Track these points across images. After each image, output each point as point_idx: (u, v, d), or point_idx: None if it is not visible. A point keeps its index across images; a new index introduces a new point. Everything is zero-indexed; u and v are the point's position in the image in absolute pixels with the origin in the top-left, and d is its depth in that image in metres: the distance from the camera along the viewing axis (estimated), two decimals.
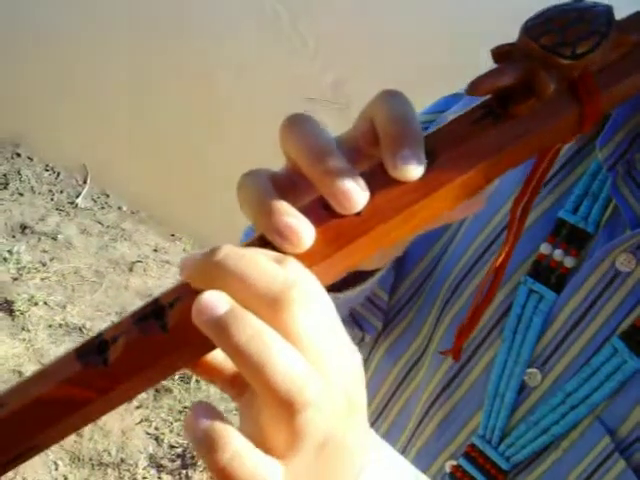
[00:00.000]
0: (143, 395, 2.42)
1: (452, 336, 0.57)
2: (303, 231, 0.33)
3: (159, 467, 2.26)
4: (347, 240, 0.34)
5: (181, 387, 2.46)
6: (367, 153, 0.38)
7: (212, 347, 0.33)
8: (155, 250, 3.04)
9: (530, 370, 0.55)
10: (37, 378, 0.33)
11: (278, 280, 0.31)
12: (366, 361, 0.65)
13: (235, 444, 0.30)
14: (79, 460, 2.26)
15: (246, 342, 0.30)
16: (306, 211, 0.34)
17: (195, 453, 2.24)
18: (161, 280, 2.89)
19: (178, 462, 2.28)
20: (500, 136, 0.37)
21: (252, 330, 0.30)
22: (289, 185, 0.37)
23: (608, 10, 0.38)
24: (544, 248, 0.55)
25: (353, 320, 0.63)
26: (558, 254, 0.55)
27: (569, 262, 0.54)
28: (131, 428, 2.34)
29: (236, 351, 0.30)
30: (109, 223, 3.19)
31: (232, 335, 0.30)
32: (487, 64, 0.41)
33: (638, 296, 0.51)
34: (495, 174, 0.37)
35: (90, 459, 2.26)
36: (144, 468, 2.24)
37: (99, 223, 3.19)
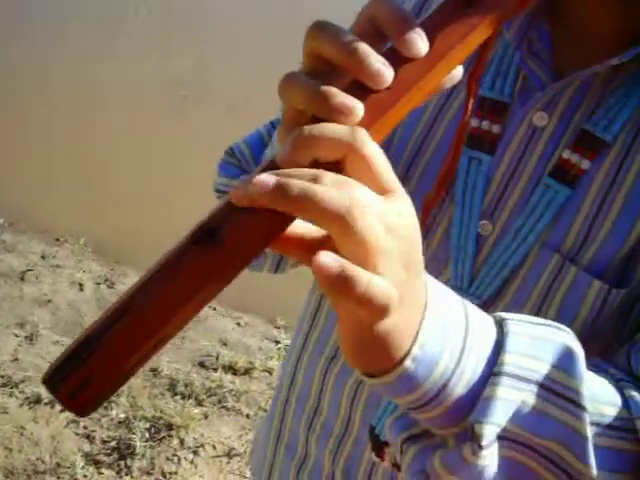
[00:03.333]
0: None
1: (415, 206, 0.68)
2: (355, 105, 0.41)
3: (97, 464, 2.27)
4: (384, 109, 0.43)
5: None
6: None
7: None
8: (43, 257, 3.00)
9: (482, 222, 0.66)
10: (157, 273, 0.39)
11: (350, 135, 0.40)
12: None
13: (364, 275, 0.38)
14: (13, 474, 2.23)
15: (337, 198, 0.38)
16: (347, 92, 0.42)
17: (130, 442, 2.27)
18: (56, 285, 2.86)
19: (114, 455, 2.30)
20: (476, 15, 0.47)
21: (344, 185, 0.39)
22: (324, 77, 0.44)
23: None
24: (474, 122, 0.67)
25: None
26: (486, 124, 0.66)
27: (496, 129, 0.66)
28: (60, 432, 2.33)
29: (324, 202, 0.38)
30: None
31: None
32: None
33: (555, 142, 0.64)
34: (474, 45, 0.48)
35: (25, 470, 2.23)
36: (82, 467, 2.24)
37: None
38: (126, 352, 0.39)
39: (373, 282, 0.38)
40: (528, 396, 0.50)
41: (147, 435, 2.30)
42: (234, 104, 4.24)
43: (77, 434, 2.34)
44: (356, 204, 0.38)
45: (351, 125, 0.41)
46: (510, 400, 0.48)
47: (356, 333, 0.42)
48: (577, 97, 0.64)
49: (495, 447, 0.49)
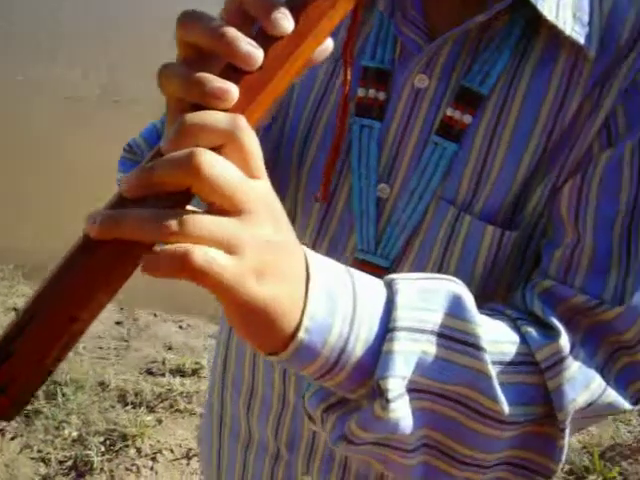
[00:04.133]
0: (14, 424, 2.38)
1: (314, 181, 0.70)
2: (229, 88, 0.43)
3: None
4: (259, 88, 0.45)
5: (49, 405, 2.44)
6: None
7: None
8: None
9: (380, 186, 0.70)
10: (57, 274, 0.42)
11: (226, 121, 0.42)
12: None
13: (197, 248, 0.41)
14: None
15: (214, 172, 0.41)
16: (222, 76, 0.44)
17: (87, 458, 2.26)
18: None
19: (73, 474, 2.28)
20: None
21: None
22: (199, 64, 0.46)
23: None
24: (361, 92, 0.70)
25: None
26: (372, 93, 0.69)
27: (382, 96, 0.69)
28: (14, 459, 2.30)
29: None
30: None
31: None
32: None
33: (438, 101, 0.67)
34: (338, 19, 0.50)
35: None
36: None
37: None
38: (39, 354, 0.41)
39: (211, 255, 0.41)
40: (427, 346, 0.53)
41: (103, 449, 2.29)
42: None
43: (32, 458, 2.31)
44: (217, 186, 0.41)
45: (228, 107, 0.44)
46: (408, 352, 0.52)
47: (232, 309, 0.45)
48: (453, 56, 0.67)
49: (405, 399, 0.52)
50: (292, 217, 0.75)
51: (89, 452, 2.27)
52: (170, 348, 2.76)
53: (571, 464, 2.37)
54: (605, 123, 0.63)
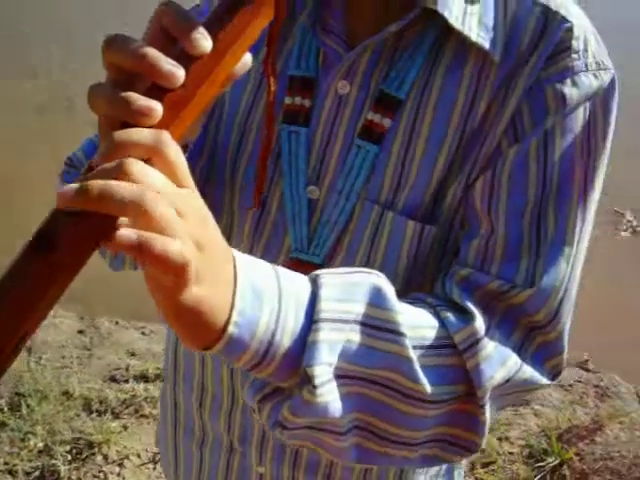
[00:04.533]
0: None
1: (248, 189, 0.75)
2: (153, 106, 0.47)
3: None
4: (182, 105, 0.49)
5: (14, 417, 2.44)
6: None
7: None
8: None
9: (310, 188, 0.74)
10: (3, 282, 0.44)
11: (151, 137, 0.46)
12: None
13: (159, 238, 0.44)
14: None
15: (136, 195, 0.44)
16: (147, 95, 0.48)
17: (54, 468, 2.27)
18: None
19: None
20: (250, 10, 0.53)
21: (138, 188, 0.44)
22: (125, 84, 0.50)
23: None
24: (288, 100, 0.74)
25: None
26: (298, 100, 0.74)
27: (307, 103, 0.74)
28: None
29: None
30: None
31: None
32: None
33: (360, 106, 0.72)
34: (255, 35, 0.54)
35: None
36: None
37: None
38: None
39: (167, 242, 0.44)
40: (351, 335, 0.58)
41: (69, 458, 2.30)
42: None
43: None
44: (150, 192, 0.44)
45: (153, 123, 0.47)
46: (333, 341, 0.56)
47: (168, 304, 0.49)
48: (372, 63, 0.72)
49: (333, 385, 0.57)
50: (229, 224, 0.79)
51: (56, 462, 2.28)
52: (133, 354, 2.78)
53: (530, 447, 2.45)
54: (511, 121, 0.68)
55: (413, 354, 0.60)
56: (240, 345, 0.53)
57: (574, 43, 0.67)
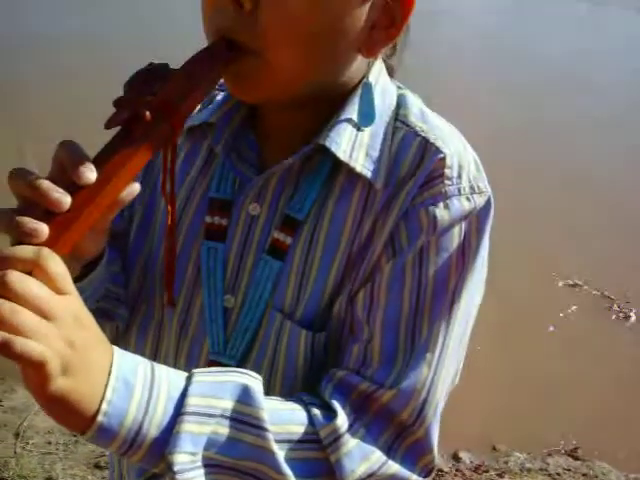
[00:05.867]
0: None
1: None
2: (39, 228, 0.57)
3: None
4: (68, 225, 0.59)
5: None
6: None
7: None
8: None
9: (226, 297, 0.83)
10: None
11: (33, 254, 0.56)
12: (125, 336, 0.90)
13: (19, 339, 0.53)
14: None
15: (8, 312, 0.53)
16: (41, 218, 0.58)
17: None
18: None
19: None
20: (134, 145, 0.64)
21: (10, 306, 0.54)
22: (26, 209, 0.60)
23: (165, 65, 0.68)
24: (208, 219, 0.84)
25: (103, 315, 0.87)
26: (217, 219, 0.83)
27: (224, 222, 0.83)
28: None
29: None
30: None
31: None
32: None
33: (268, 226, 0.81)
34: (139, 166, 0.64)
35: None
36: None
37: None
38: None
39: (26, 343, 0.53)
40: (217, 427, 0.66)
41: None
42: None
43: None
44: (8, 305, 0.53)
45: (40, 241, 0.57)
46: (197, 433, 0.65)
47: (38, 392, 0.57)
48: (279, 187, 0.82)
49: (199, 472, 0.65)
50: (160, 320, 0.88)
51: None
52: None
53: None
54: (390, 239, 0.77)
55: (277, 448, 0.68)
56: (109, 433, 0.62)
57: (447, 171, 0.77)
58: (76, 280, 0.73)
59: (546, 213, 4.80)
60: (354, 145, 0.78)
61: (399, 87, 0.87)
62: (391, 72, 0.89)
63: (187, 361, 0.85)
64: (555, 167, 5.51)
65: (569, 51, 9.54)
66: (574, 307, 3.97)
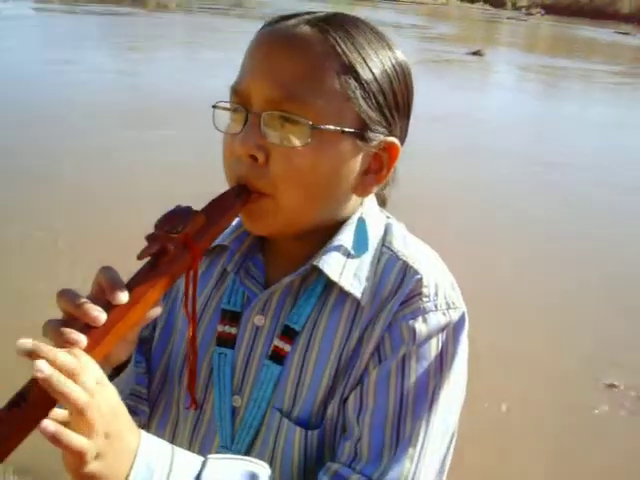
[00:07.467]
0: None
1: (187, 394, 0.96)
2: (79, 338, 0.70)
3: None
4: (102, 336, 0.72)
5: None
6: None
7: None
8: None
9: (234, 397, 0.95)
10: None
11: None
12: (148, 429, 1.02)
13: (66, 432, 0.66)
14: None
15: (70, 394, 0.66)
16: (79, 329, 0.71)
17: None
18: None
19: None
20: (158, 273, 0.78)
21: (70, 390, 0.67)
22: (69, 321, 0.73)
23: (188, 208, 0.83)
24: (220, 328, 0.98)
25: (128, 411, 0.99)
26: (227, 328, 0.97)
27: (234, 331, 0.97)
28: None
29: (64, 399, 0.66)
30: None
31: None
32: None
33: (271, 335, 0.94)
34: (162, 290, 0.78)
35: None
36: None
37: None
38: None
39: (71, 437, 0.67)
40: None
41: None
42: None
43: None
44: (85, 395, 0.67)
45: (81, 348, 0.70)
46: None
47: (74, 473, 0.70)
48: (281, 302, 0.95)
49: None
50: (176, 417, 1.00)
51: None
52: None
53: None
54: (376, 348, 0.89)
55: None
56: None
57: (424, 290, 0.90)
58: None
59: None
60: (344, 266, 0.91)
61: (387, 217, 1.01)
62: (383, 203, 1.04)
63: (199, 453, 0.96)
64: None
65: None
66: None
